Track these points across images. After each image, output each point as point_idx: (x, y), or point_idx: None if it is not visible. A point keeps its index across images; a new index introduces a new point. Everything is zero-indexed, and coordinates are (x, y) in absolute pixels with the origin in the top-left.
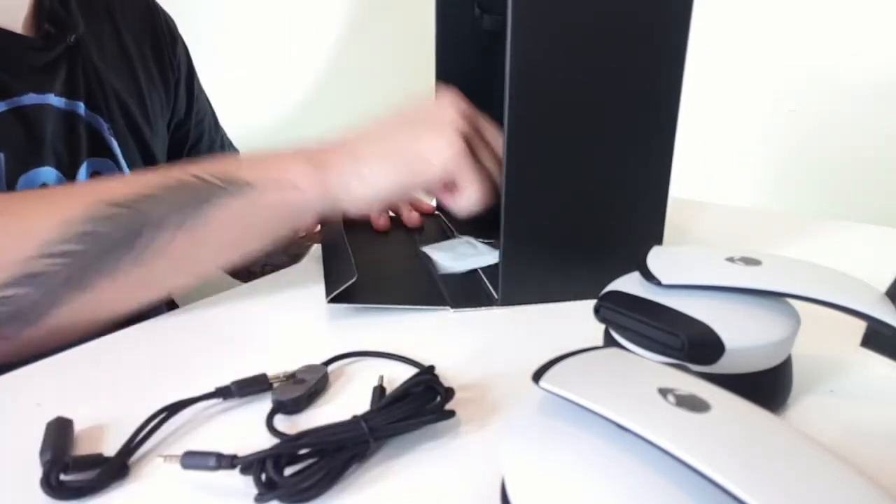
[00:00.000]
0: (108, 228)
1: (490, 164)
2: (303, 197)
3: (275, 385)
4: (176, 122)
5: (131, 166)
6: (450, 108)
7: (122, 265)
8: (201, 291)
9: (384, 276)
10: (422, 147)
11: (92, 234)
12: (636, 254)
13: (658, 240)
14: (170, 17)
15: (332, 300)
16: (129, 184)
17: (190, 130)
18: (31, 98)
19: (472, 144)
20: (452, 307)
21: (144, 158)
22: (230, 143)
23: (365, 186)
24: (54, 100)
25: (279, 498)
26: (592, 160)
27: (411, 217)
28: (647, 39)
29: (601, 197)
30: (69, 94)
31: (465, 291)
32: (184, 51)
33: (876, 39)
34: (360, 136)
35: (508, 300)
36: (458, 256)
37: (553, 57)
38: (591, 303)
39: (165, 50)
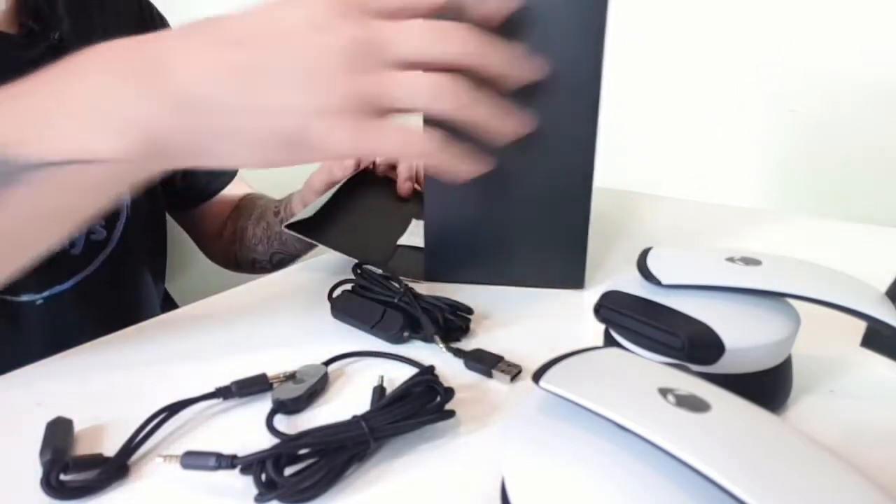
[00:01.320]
0: None
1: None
2: (111, 170)
3: (275, 385)
4: None
5: None
6: (327, 18)
7: None
8: (201, 291)
9: (353, 227)
10: (293, 121)
11: None
12: (557, 241)
13: (582, 229)
14: (163, 17)
15: (288, 227)
16: None
17: None
18: None
19: (373, 86)
20: (380, 267)
21: None
22: None
23: (218, 160)
24: None
25: (279, 498)
26: (512, 147)
27: (403, 187)
28: (562, 27)
29: (520, 185)
30: None
31: (403, 261)
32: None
33: (876, 39)
34: (199, 69)
35: (430, 276)
36: (420, 232)
37: None
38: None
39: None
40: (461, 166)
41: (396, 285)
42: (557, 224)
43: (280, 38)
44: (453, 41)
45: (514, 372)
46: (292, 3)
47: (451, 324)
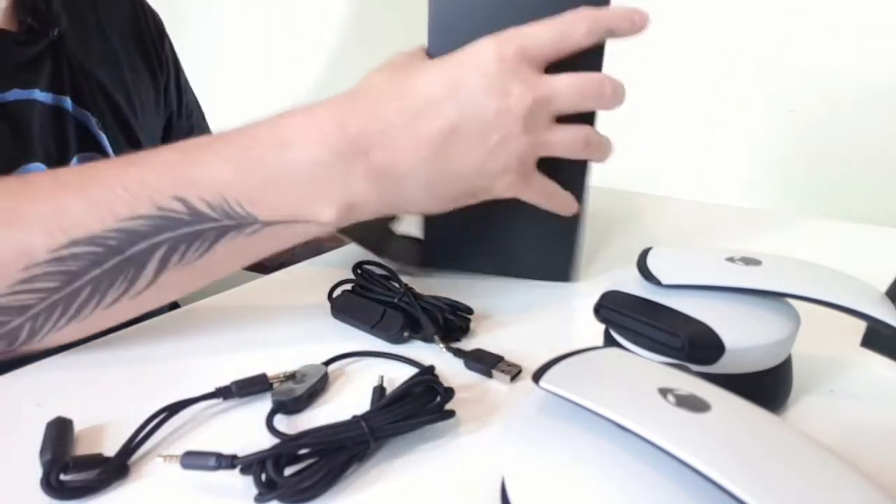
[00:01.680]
0: (80, 265)
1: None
2: (319, 229)
3: (275, 385)
4: (168, 118)
5: None
6: (504, 80)
7: (110, 300)
8: (201, 291)
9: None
10: (477, 181)
11: (65, 272)
12: (550, 233)
13: (574, 222)
14: (157, 15)
15: None
16: (101, 214)
17: (182, 126)
18: (15, 94)
19: (541, 144)
20: (373, 251)
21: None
22: None
23: (395, 210)
24: (40, 95)
25: (279, 498)
26: None
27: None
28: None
29: None
30: (55, 88)
31: (398, 249)
32: (170, 48)
33: (876, 39)
34: (398, 147)
35: (427, 263)
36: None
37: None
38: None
39: (152, 46)
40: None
41: (396, 285)
42: (551, 216)
43: (465, 107)
44: (597, 97)
45: (514, 372)
46: (466, 65)
47: (451, 324)
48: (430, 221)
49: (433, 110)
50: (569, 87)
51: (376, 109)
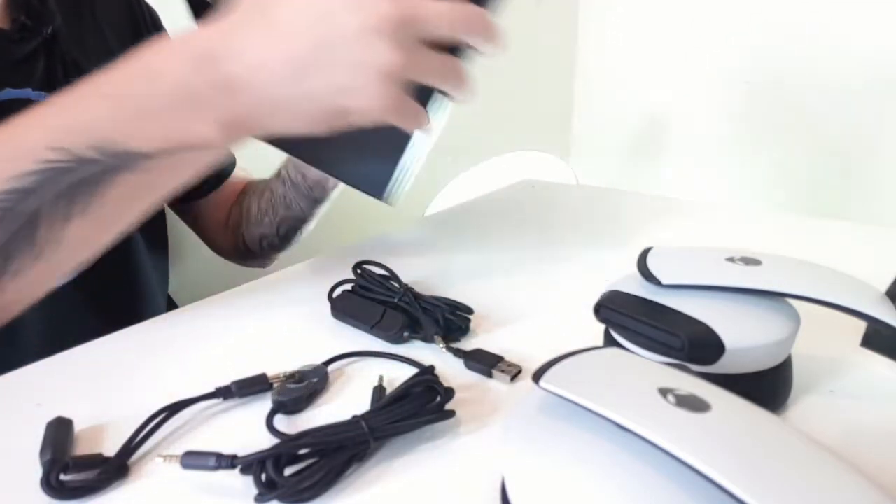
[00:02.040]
0: None
1: (444, 80)
2: (211, 153)
3: (275, 385)
4: None
5: None
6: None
7: (16, 266)
8: (201, 291)
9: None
10: (340, 100)
11: None
12: (379, 141)
13: (404, 137)
14: (154, 11)
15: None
16: None
17: None
18: (7, 94)
19: (409, 67)
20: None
21: None
22: None
23: (274, 130)
24: (33, 94)
25: (279, 498)
26: None
27: None
28: None
29: None
30: (48, 87)
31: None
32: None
33: (876, 38)
34: (255, 64)
35: (272, 142)
36: None
37: None
38: None
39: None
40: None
41: (396, 285)
42: (385, 126)
43: (324, 24)
44: (474, 29)
45: (514, 372)
46: None
47: (451, 324)
48: None
49: (290, 27)
50: (442, 11)
51: (235, 29)
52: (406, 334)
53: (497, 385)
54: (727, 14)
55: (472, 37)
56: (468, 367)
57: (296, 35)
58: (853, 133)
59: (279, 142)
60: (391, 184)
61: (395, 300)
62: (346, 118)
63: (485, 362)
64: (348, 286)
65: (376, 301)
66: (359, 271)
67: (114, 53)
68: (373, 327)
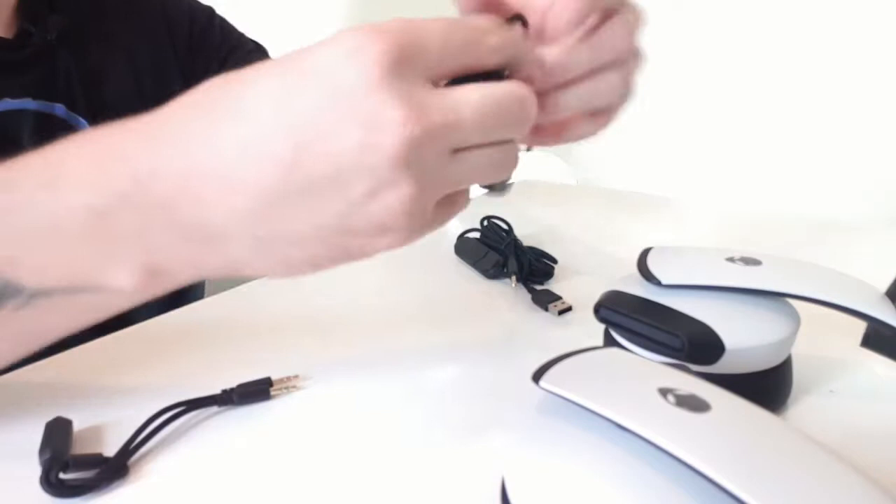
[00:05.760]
0: None
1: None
2: (120, 300)
3: (272, 392)
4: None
5: None
6: (373, 99)
7: None
8: (200, 291)
9: None
10: (331, 239)
11: None
12: None
13: None
14: (208, 15)
15: None
16: None
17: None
18: (6, 104)
19: (440, 186)
20: None
21: None
22: None
23: (233, 274)
24: (31, 103)
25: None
26: None
27: None
28: None
29: None
30: (47, 95)
31: None
32: (221, 31)
33: (876, 39)
34: (208, 194)
35: None
36: None
37: None
38: None
39: (185, 44)
40: None
41: (506, 236)
42: None
43: (306, 137)
44: (518, 121)
45: (563, 307)
46: (308, 71)
47: (536, 269)
48: None
49: (257, 142)
50: (479, 109)
51: (181, 137)
52: (497, 270)
53: (500, 381)
54: (727, 14)
55: (520, 130)
56: (534, 300)
57: (263, 151)
58: (853, 133)
59: None
60: None
61: (502, 246)
62: (357, 259)
63: (543, 299)
64: (476, 234)
65: (487, 245)
66: (485, 223)
67: (134, 61)
68: (475, 263)
